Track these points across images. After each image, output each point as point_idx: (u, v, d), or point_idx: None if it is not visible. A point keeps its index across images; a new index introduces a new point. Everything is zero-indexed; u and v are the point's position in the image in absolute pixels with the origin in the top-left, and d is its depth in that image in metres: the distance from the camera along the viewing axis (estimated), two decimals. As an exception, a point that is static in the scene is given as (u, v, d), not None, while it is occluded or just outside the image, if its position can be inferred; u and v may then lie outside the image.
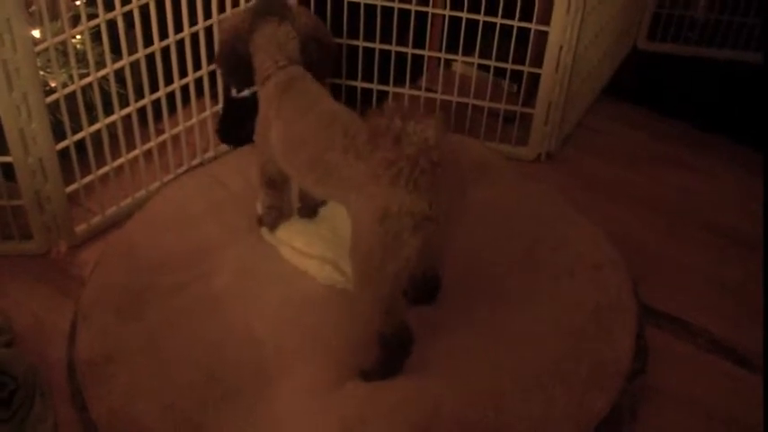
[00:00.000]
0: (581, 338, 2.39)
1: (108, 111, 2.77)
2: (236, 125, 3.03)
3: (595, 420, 2.21)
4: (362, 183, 2.09)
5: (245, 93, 2.93)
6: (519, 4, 2.98)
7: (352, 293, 2.28)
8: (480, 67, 3.20)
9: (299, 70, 2.42)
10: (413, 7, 3.10)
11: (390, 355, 2.25)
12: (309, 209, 2.68)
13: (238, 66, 2.49)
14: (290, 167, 2.39)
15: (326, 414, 2.17)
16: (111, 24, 2.64)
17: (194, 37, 2.87)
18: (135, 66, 2.76)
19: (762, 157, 3.34)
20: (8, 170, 2.61)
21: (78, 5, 2.60)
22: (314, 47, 2.48)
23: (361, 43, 3.17)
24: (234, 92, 2.98)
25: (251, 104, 2.60)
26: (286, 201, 2.65)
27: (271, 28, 2.44)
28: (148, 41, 2.76)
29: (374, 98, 3.31)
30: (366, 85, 3.28)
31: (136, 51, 2.74)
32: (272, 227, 2.66)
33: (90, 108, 2.73)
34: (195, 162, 3.09)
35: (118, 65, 2.71)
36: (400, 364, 2.27)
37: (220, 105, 3.10)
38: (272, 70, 2.41)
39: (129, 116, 2.82)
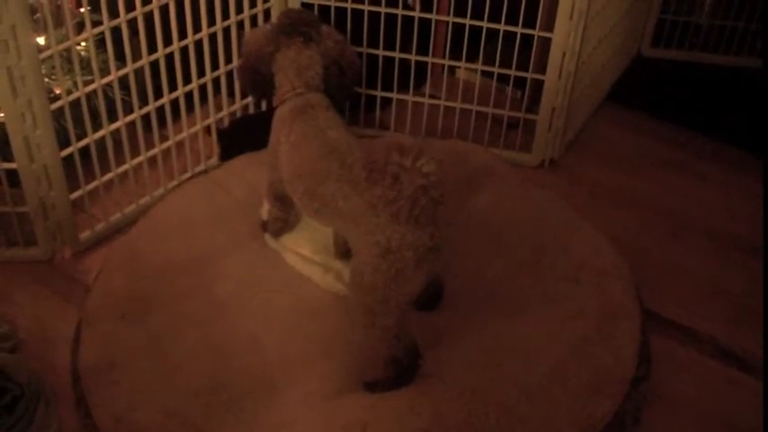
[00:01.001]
0: (585, 344, 2.40)
1: (112, 117, 2.77)
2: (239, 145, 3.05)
3: (599, 426, 2.22)
4: (360, 215, 2.08)
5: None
6: (522, 11, 2.98)
7: (358, 322, 2.26)
8: (484, 73, 3.20)
9: (316, 97, 2.40)
10: (416, 14, 3.10)
11: (401, 374, 2.26)
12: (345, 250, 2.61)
13: (258, 82, 2.48)
14: (292, 195, 2.38)
15: (330, 421, 2.18)
16: (116, 31, 2.65)
17: (198, 44, 2.88)
18: (139, 73, 2.77)
19: (758, 161, 3.36)
20: (13, 177, 2.61)
21: (83, 12, 2.61)
22: (335, 71, 2.46)
23: (365, 50, 3.17)
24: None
25: (257, 124, 2.59)
26: (293, 213, 2.65)
27: (294, 51, 2.42)
28: (153, 48, 2.76)
29: (377, 105, 3.31)
30: (370, 92, 3.29)
31: (140, 58, 2.75)
32: (277, 235, 2.67)
33: (94, 115, 2.73)
34: (199, 169, 3.09)
35: (122, 72, 2.71)
36: (409, 380, 2.27)
37: (224, 113, 3.10)
38: (288, 95, 2.40)
39: (133, 123, 2.82)
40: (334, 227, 2.44)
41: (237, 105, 3.13)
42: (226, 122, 3.13)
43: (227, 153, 3.05)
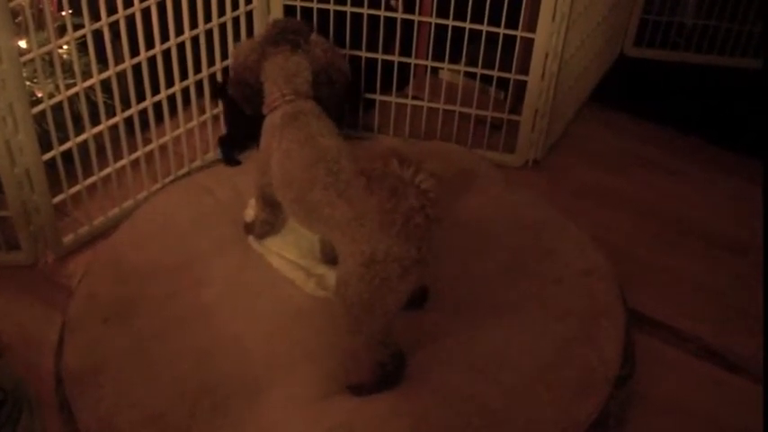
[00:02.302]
0: (569, 345, 2.40)
1: (95, 121, 2.76)
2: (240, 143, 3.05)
3: (583, 426, 2.22)
4: (345, 222, 2.08)
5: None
6: (505, 12, 2.98)
7: (344, 328, 2.26)
8: (467, 74, 3.20)
9: (308, 105, 2.39)
10: (399, 15, 3.10)
11: (386, 378, 2.26)
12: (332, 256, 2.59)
13: (249, 94, 2.48)
14: (282, 201, 2.38)
15: (315, 424, 2.18)
16: (98, 34, 2.64)
17: (181, 47, 2.87)
18: (121, 76, 2.76)
19: (742, 160, 3.37)
20: (-6, 181, 2.61)
21: (64, 16, 2.60)
22: (324, 80, 2.46)
23: (347, 52, 3.16)
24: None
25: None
26: (280, 218, 2.65)
27: (281, 58, 2.42)
28: (135, 51, 2.76)
29: (360, 107, 3.31)
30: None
31: (122, 61, 2.74)
32: (261, 238, 2.66)
33: (77, 118, 2.72)
34: (183, 171, 3.08)
35: (104, 75, 2.71)
36: (394, 384, 2.27)
37: (207, 115, 3.10)
38: (278, 102, 2.40)
39: (116, 126, 2.82)
40: (322, 234, 2.44)
41: (220, 108, 3.12)
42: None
43: (229, 158, 3.06)
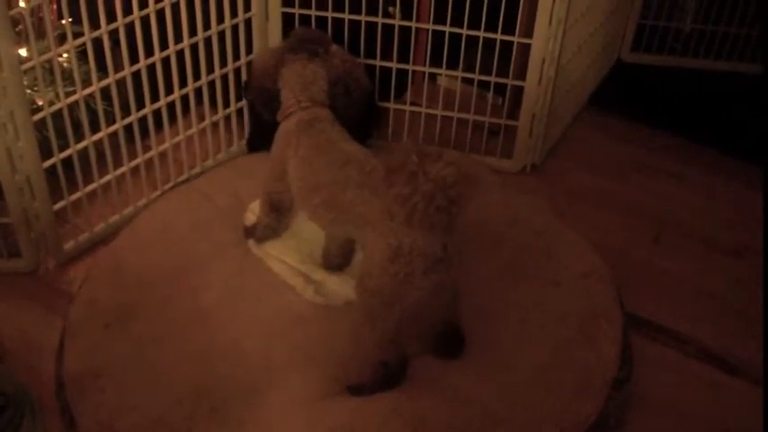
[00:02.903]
0: (567, 347, 2.41)
1: (95, 128, 2.77)
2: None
3: (581, 428, 2.23)
4: (377, 219, 2.09)
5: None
6: (502, 18, 2.99)
7: (356, 322, 2.29)
8: (464, 80, 3.21)
9: (323, 112, 2.40)
10: (396, 22, 3.11)
11: (388, 378, 2.27)
12: (333, 262, 2.63)
13: (266, 99, 2.49)
14: (306, 208, 2.38)
15: (315, 426, 2.18)
16: (97, 42, 2.65)
17: (180, 54, 2.89)
18: (121, 83, 2.77)
19: (739, 164, 3.38)
20: (-5, 188, 2.62)
21: (64, 24, 2.61)
22: (341, 90, 2.47)
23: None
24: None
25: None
26: (283, 223, 2.66)
27: (299, 66, 2.44)
28: (134, 59, 2.77)
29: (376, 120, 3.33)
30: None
31: (122, 69, 2.75)
32: (261, 241, 2.67)
33: (77, 126, 2.73)
34: (182, 178, 3.09)
35: (104, 82, 2.72)
36: (395, 384, 2.28)
37: (206, 122, 3.11)
38: (293, 109, 2.41)
39: (115, 133, 2.83)
40: (347, 234, 2.44)
41: (220, 115, 3.13)
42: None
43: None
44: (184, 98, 2.98)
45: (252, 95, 2.56)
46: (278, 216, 2.59)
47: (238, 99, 3.17)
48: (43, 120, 2.62)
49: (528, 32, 3.00)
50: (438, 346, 2.35)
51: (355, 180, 2.19)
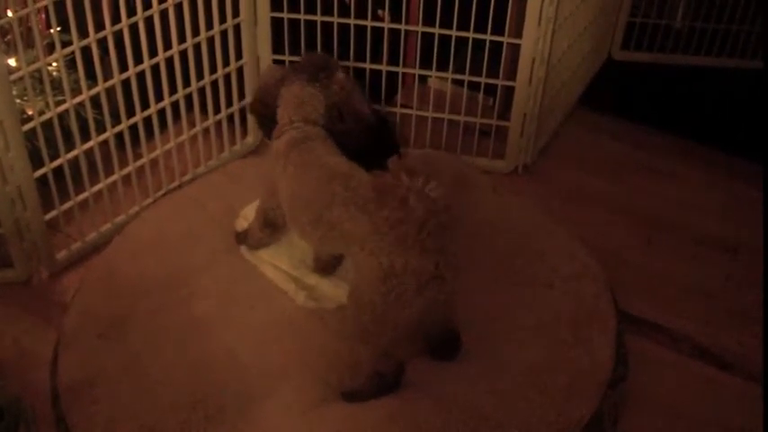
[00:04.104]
0: (561, 348, 2.41)
1: (85, 137, 2.77)
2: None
3: (576, 428, 2.23)
4: (365, 236, 2.07)
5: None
6: (491, 18, 2.99)
7: (349, 333, 2.28)
8: (455, 81, 3.22)
9: (314, 130, 2.40)
10: (386, 25, 3.11)
11: (383, 387, 2.27)
12: (325, 265, 2.63)
13: (266, 116, 2.50)
14: (295, 226, 2.38)
15: (310, 432, 2.19)
16: (86, 51, 2.65)
17: (169, 61, 2.88)
18: (111, 91, 2.77)
19: (731, 161, 3.39)
20: (-14, 200, 2.62)
21: (53, 33, 2.61)
22: (336, 115, 2.46)
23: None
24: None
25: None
26: (275, 239, 2.66)
27: (297, 87, 2.44)
28: (124, 67, 2.77)
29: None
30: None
31: (111, 77, 2.75)
32: (254, 249, 2.67)
33: (67, 135, 2.73)
34: (174, 185, 3.09)
35: (93, 91, 2.71)
36: (390, 393, 2.27)
37: (197, 129, 3.11)
38: (286, 128, 2.41)
39: (106, 142, 2.82)
40: (338, 251, 2.45)
41: (211, 121, 3.13)
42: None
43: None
44: (175, 105, 2.98)
45: (254, 111, 2.59)
46: (271, 232, 2.59)
47: (228, 105, 3.16)
48: (33, 129, 2.61)
49: (517, 33, 3.00)
50: (435, 349, 2.35)
51: (341, 196, 2.17)
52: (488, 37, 3.03)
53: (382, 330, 2.13)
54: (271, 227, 2.57)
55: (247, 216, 2.73)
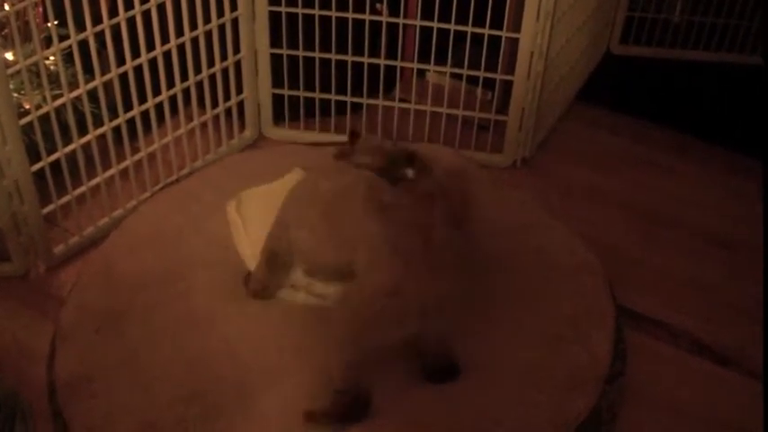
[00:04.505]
0: (559, 343, 2.40)
1: (82, 131, 2.77)
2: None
3: (574, 423, 2.22)
4: (372, 246, 2.03)
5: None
6: (489, 12, 2.99)
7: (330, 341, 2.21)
8: (453, 75, 3.21)
9: None
10: (384, 19, 3.11)
11: (344, 411, 2.14)
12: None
13: None
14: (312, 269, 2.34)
15: (308, 430, 2.17)
16: (84, 45, 2.64)
17: (167, 55, 2.88)
18: (108, 85, 2.76)
19: (730, 156, 3.39)
20: (-17, 194, 2.61)
21: (50, 27, 2.60)
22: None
23: (333, 56, 3.17)
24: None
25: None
26: (274, 284, 2.51)
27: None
28: (121, 61, 2.76)
29: (348, 110, 3.32)
30: (339, 97, 3.29)
31: (109, 71, 2.74)
32: (255, 297, 2.53)
33: (64, 129, 2.72)
34: (171, 179, 3.09)
35: (91, 85, 2.71)
36: (352, 421, 2.14)
37: (195, 123, 3.10)
38: None
39: (103, 136, 2.82)
40: (344, 279, 2.25)
41: (209, 115, 3.13)
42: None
43: None
44: (172, 99, 2.98)
45: None
46: (271, 272, 2.45)
47: (226, 99, 3.16)
48: (30, 123, 2.61)
49: (516, 27, 3.00)
50: (430, 375, 2.27)
51: (361, 206, 2.09)
52: (487, 31, 3.03)
53: (358, 349, 2.06)
54: (273, 262, 2.44)
55: (234, 206, 2.70)
